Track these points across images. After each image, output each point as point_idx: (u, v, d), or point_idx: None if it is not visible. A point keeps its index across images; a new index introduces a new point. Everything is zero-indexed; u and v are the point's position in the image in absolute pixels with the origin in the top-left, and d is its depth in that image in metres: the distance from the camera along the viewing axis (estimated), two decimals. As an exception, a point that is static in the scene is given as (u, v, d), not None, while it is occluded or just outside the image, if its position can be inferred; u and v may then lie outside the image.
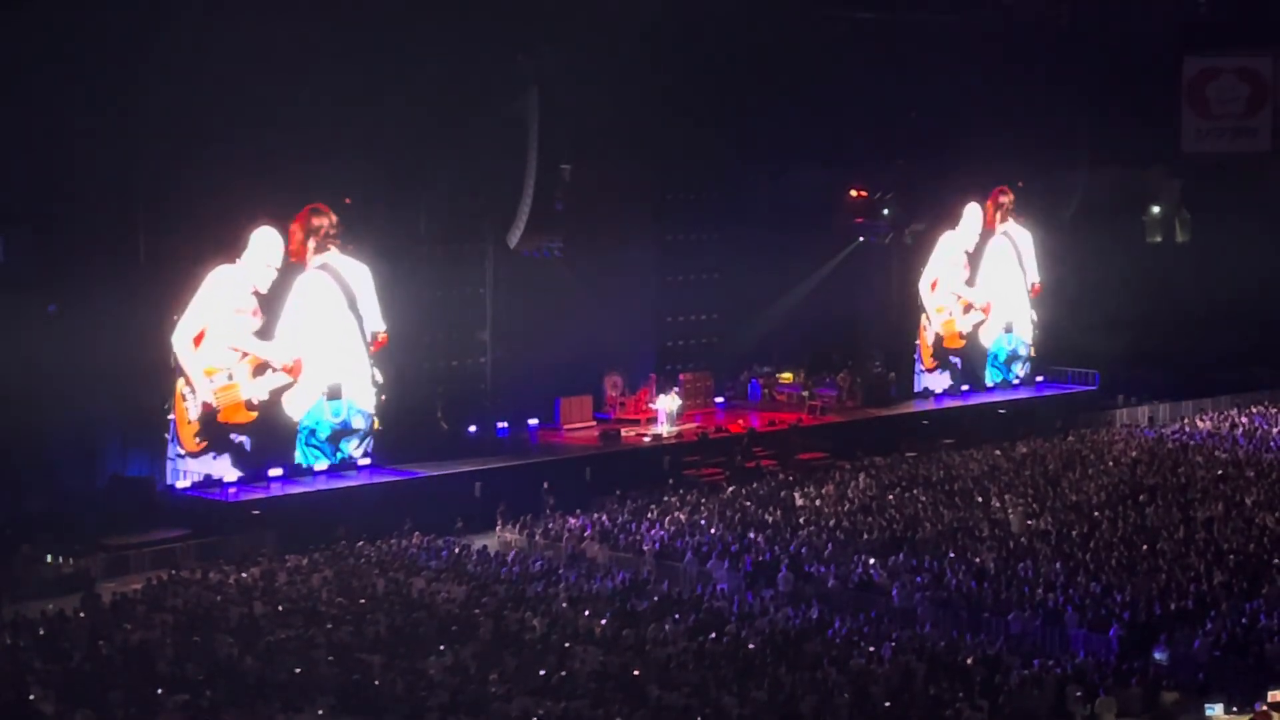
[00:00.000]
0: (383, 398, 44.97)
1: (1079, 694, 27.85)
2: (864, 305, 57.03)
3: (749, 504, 42.20)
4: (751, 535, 38.44)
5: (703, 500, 42.76)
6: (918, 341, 56.85)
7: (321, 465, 43.70)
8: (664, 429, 49.46)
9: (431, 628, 31.27)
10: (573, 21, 44.87)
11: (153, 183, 40.61)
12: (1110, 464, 46.98)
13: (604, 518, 41.05)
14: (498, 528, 41.03)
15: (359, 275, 44.47)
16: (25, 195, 39.51)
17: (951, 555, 36.51)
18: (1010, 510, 40.70)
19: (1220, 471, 45.36)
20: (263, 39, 39.87)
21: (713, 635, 30.92)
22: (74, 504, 39.73)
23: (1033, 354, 60.32)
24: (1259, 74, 60.15)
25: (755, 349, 55.48)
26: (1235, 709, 27.73)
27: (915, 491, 43.44)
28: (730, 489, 44.35)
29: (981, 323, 58.65)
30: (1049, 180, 58.88)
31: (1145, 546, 36.89)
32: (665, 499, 42.86)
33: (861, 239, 56.16)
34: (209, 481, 41.48)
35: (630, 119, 48.11)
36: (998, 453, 48.79)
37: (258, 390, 42.59)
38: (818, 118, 51.05)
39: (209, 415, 41.66)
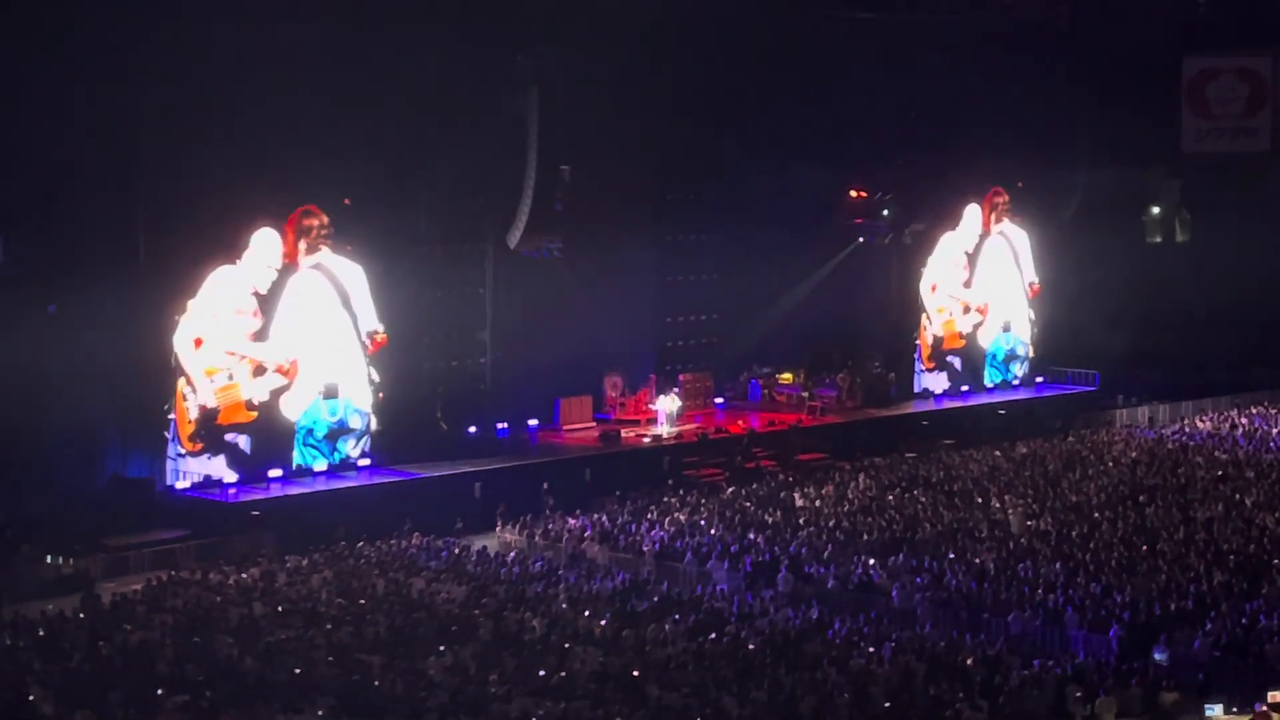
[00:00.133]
0: (380, 396, 44.98)
1: (1079, 694, 27.81)
2: (864, 305, 57.04)
3: (749, 504, 42.18)
4: (751, 536, 38.41)
5: (702, 501, 42.74)
6: (918, 342, 56.88)
7: (320, 465, 43.69)
8: (664, 429, 49.44)
9: (431, 628, 31.23)
10: (573, 21, 44.90)
11: (152, 183, 40.63)
12: (1110, 464, 46.96)
13: (604, 518, 41.03)
14: (497, 528, 41.01)
15: (352, 275, 44.41)
16: (25, 195, 39.43)
17: (951, 556, 36.48)
18: (1010, 511, 40.67)
19: (1220, 472, 45.34)
20: (262, 39, 40.01)
21: (712, 636, 30.87)
22: (74, 504, 39.64)
23: (1032, 354, 60.35)
24: (1259, 74, 60.22)
25: (755, 349, 55.44)
26: (1235, 709, 27.70)
27: (915, 492, 43.43)
28: (730, 489, 44.33)
29: (980, 323, 58.68)
30: (1049, 180, 58.88)
31: (1145, 547, 36.87)
32: (665, 500, 42.84)
33: (861, 239, 56.22)
34: (209, 482, 41.48)
35: (630, 119, 48.17)
36: (997, 453, 48.79)
37: (258, 390, 42.59)
38: (818, 118, 51.04)
39: (209, 415, 41.67)
